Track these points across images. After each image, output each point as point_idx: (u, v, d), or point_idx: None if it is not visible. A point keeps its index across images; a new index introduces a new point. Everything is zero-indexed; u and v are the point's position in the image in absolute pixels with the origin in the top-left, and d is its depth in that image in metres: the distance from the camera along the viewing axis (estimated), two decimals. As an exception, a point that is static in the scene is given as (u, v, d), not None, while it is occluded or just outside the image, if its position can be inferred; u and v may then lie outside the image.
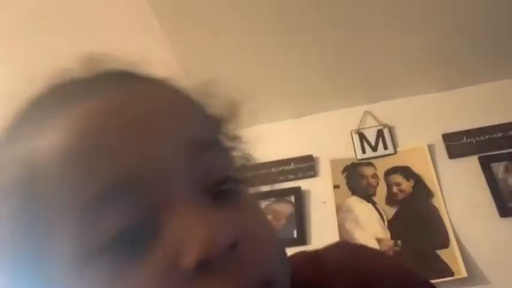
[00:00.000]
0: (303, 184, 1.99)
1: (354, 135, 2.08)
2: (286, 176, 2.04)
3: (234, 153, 0.43)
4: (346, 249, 0.50)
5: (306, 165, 2.05)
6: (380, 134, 2.06)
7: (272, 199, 1.97)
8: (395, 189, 1.89)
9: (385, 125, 2.08)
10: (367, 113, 2.14)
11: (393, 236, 1.77)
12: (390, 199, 1.87)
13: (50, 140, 0.32)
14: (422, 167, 1.91)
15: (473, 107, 2.03)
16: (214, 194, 0.33)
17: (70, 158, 0.31)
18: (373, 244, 1.75)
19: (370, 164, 1.99)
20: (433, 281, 0.51)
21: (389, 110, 2.12)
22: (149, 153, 0.32)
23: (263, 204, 1.95)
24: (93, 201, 0.30)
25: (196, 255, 0.28)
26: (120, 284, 0.29)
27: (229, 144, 0.43)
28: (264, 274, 0.31)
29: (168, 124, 0.34)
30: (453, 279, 1.61)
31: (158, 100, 0.36)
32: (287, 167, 2.07)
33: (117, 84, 0.37)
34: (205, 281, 0.28)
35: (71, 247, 0.30)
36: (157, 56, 1.73)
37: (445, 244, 1.70)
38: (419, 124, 2.04)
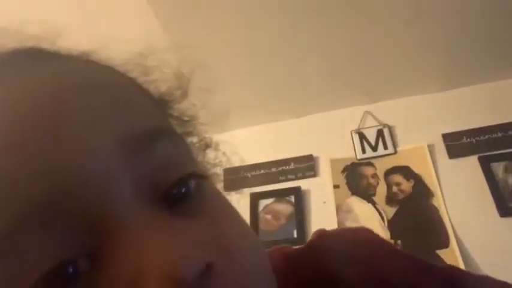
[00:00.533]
0: (303, 184, 1.99)
1: (354, 135, 2.08)
2: (286, 176, 2.04)
3: (191, 140, 0.34)
4: (343, 238, 0.39)
5: (306, 165, 2.05)
6: (380, 133, 2.06)
7: (272, 199, 1.97)
8: (395, 189, 1.89)
9: (385, 125, 2.08)
10: (367, 112, 2.14)
11: (393, 236, 1.77)
12: (390, 199, 1.87)
13: None
14: (422, 167, 1.91)
15: (473, 107, 2.03)
16: (171, 199, 0.25)
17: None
18: (373, 244, 1.75)
19: (370, 164, 1.99)
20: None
21: (389, 110, 2.13)
22: (73, 160, 0.22)
23: (263, 204, 1.96)
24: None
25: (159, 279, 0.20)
26: None
27: (183, 129, 0.34)
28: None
29: (95, 115, 0.24)
30: (453, 279, 1.61)
31: (77, 83, 0.25)
32: (287, 167, 2.07)
33: (19, 68, 0.26)
34: None
35: None
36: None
37: (445, 244, 1.70)
38: (419, 124, 2.04)
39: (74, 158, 0.22)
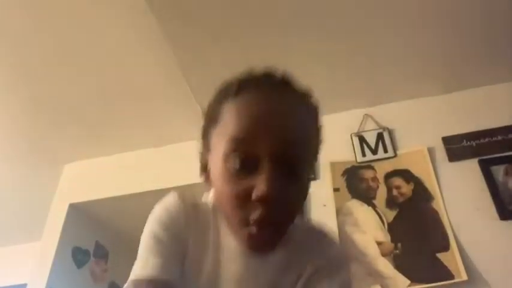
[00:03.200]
0: (303, 187, 1.98)
1: (354, 138, 2.09)
2: (286, 178, 2.04)
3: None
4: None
5: (306, 168, 2.04)
6: (380, 137, 2.06)
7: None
8: (395, 192, 1.89)
9: (385, 128, 2.08)
10: (367, 116, 2.14)
11: (393, 239, 1.77)
12: (390, 202, 1.87)
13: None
14: (422, 170, 1.91)
15: (473, 110, 2.03)
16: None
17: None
18: (374, 247, 1.75)
19: (370, 167, 1.99)
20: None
21: (389, 113, 2.13)
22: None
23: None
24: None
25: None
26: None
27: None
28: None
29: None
30: (453, 282, 1.61)
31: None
32: (287, 170, 2.06)
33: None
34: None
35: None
36: (157, 58, 1.73)
37: (445, 247, 1.70)
38: (419, 127, 2.05)
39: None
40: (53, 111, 2.25)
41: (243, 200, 0.57)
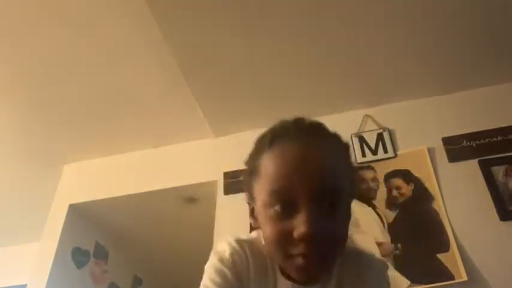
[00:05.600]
0: (303, 187, 1.98)
1: (353, 138, 2.09)
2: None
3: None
4: None
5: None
6: (380, 137, 2.06)
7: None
8: (395, 192, 1.89)
9: (385, 129, 2.08)
10: (367, 116, 2.14)
11: (394, 240, 1.77)
12: (390, 203, 1.87)
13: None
14: (423, 171, 1.91)
15: (473, 111, 2.03)
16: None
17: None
18: (374, 248, 1.75)
19: (370, 168, 1.99)
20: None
21: (390, 114, 2.13)
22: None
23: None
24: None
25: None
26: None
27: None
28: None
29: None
30: (453, 283, 1.61)
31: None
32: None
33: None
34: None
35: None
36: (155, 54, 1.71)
37: (446, 248, 1.70)
38: (419, 127, 2.05)
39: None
40: (52, 111, 2.25)
41: (285, 239, 0.62)
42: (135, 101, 2.21)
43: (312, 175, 0.63)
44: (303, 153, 0.65)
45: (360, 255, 0.76)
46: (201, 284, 0.70)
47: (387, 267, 0.78)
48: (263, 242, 0.72)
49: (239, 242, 0.74)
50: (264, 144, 0.69)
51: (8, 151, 2.49)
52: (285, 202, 0.62)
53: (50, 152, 2.51)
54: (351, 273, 0.72)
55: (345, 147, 0.75)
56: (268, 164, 0.66)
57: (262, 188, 0.66)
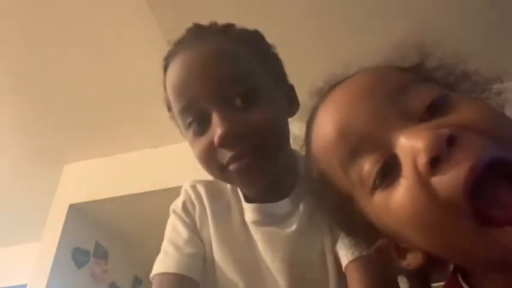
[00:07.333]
0: (303, 187, 1.98)
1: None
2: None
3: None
4: None
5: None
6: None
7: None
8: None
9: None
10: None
11: (393, 240, 1.76)
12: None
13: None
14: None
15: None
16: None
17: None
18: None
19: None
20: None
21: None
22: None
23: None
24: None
25: (425, 156, 0.36)
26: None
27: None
28: (486, 152, 0.35)
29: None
30: (453, 283, 1.61)
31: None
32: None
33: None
34: (438, 172, 0.36)
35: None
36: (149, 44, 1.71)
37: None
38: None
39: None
40: (53, 111, 2.25)
41: (212, 151, 0.59)
42: (135, 101, 2.21)
43: (210, 79, 0.59)
44: (195, 61, 0.61)
45: None
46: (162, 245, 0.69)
47: None
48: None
49: (193, 187, 0.72)
50: (165, 62, 0.67)
51: (8, 151, 2.49)
52: (197, 117, 0.59)
53: (50, 152, 2.51)
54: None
55: (253, 41, 0.70)
56: (168, 85, 0.63)
57: (176, 114, 0.63)
